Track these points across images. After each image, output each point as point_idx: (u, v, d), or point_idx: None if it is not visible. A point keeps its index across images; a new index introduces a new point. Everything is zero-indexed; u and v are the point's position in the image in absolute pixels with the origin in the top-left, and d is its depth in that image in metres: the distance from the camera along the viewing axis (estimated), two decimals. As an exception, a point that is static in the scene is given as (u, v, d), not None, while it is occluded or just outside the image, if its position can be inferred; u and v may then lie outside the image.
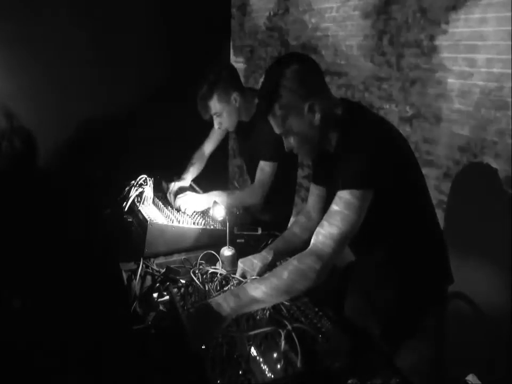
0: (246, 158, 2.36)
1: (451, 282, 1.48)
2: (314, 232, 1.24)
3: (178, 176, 2.28)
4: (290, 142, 1.35)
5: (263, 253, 1.51)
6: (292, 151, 1.38)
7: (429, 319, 1.43)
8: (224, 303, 1.16)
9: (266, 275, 1.24)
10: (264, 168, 2.01)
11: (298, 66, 1.28)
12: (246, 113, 2.06)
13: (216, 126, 2.09)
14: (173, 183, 2.16)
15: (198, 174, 2.36)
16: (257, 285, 1.19)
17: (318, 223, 1.29)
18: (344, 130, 1.30)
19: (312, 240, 1.23)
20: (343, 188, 1.20)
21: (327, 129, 1.32)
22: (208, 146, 2.40)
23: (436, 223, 1.47)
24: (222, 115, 2.01)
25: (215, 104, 1.98)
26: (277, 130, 1.35)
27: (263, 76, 1.35)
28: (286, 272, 1.19)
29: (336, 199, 1.22)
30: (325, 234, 1.20)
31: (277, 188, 2.10)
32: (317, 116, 1.28)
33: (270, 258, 1.48)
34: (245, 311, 1.20)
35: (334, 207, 1.21)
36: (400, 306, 1.44)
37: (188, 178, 2.29)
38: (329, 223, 1.20)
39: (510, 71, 1.70)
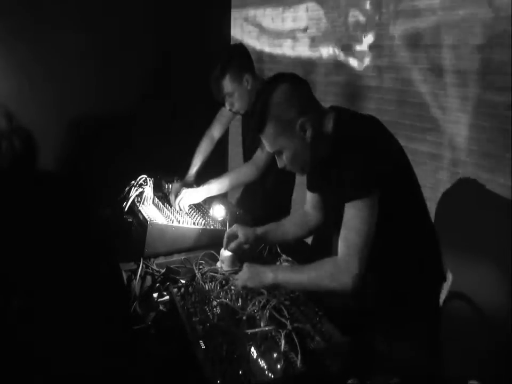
0: (247, 148, 2.36)
1: (444, 280, 1.51)
2: (339, 245, 1.27)
3: (178, 176, 2.27)
4: (283, 159, 1.37)
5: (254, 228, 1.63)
6: (285, 168, 1.41)
7: (423, 317, 1.44)
8: (272, 273, 1.34)
9: (305, 266, 1.33)
10: (263, 148, 2.01)
11: (288, 85, 1.30)
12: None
13: (227, 107, 2.07)
14: (174, 184, 2.16)
15: (204, 164, 2.34)
16: (295, 272, 1.35)
17: (316, 219, 1.54)
18: (337, 138, 1.31)
19: (339, 253, 1.26)
20: (351, 199, 1.23)
21: (319, 145, 1.33)
22: (217, 129, 2.36)
23: (429, 222, 1.49)
24: (233, 95, 2.00)
25: (227, 84, 1.97)
26: (269, 149, 1.37)
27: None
28: (320, 276, 1.27)
29: (347, 211, 1.24)
30: (347, 246, 1.24)
31: (276, 186, 2.10)
32: (308, 134, 1.30)
33: (259, 233, 1.61)
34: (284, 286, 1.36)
35: (348, 219, 1.24)
36: (394, 305, 1.45)
37: (192, 173, 2.29)
38: (348, 236, 1.24)
39: None
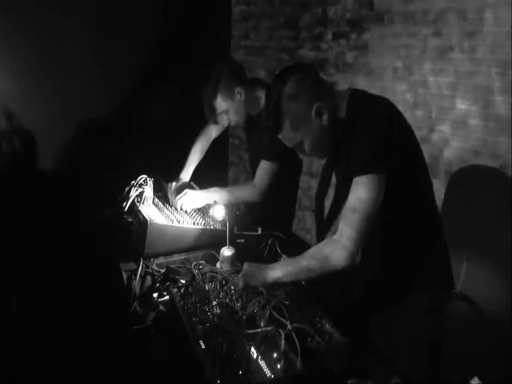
0: (250, 153, 2.35)
1: (452, 287, 1.49)
2: (340, 219, 1.28)
3: (178, 176, 2.27)
4: (304, 149, 1.37)
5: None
6: (303, 154, 1.44)
7: (426, 320, 1.44)
8: (272, 270, 1.34)
9: (301, 255, 1.33)
10: (265, 167, 2.01)
11: (295, 78, 1.30)
12: (253, 107, 2.04)
13: (225, 123, 2.07)
14: (173, 183, 2.16)
15: (199, 165, 2.33)
16: (294, 264, 1.33)
17: None
18: (350, 120, 1.31)
19: (339, 228, 1.27)
20: (358, 174, 1.24)
21: (335, 127, 1.33)
22: (215, 129, 2.34)
23: (436, 214, 1.48)
24: (228, 112, 2.00)
25: (220, 103, 1.97)
26: (289, 145, 1.38)
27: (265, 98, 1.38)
28: (317, 258, 1.29)
29: (353, 185, 1.25)
30: (347, 222, 1.25)
31: (279, 191, 2.11)
32: (325, 117, 1.31)
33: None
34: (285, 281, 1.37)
35: (353, 193, 1.25)
36: (398, 304, 1.45)
37: (188, 172, 2.28)
38: (351, 210, 1.25)
39: None
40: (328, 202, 1.85)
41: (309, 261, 1.30)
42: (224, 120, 2.05)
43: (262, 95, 2.03)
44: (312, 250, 1.32)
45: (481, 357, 1.82)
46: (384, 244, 1.44)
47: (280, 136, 1.36)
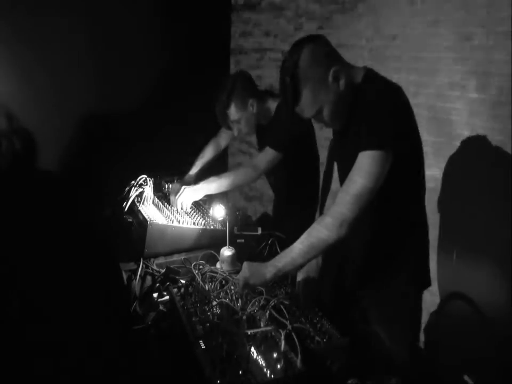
0: None
1: (428, 284, 1.52)
2: (340, 191, 1.29)
3: (178, 176, 2.28)
4: (323, 118, 1.37)
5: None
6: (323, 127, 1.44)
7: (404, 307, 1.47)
8: (271, 266, 1.33)
9: (295, 243, 1.32)
10: (266, 152, 2.02)
11: (310, 47, 1.30)
12: (264, 117, 2.09)
13: (235, 133, 2.12)
14: (173, 184, 2.16)
15: (206, 167, 2.37)
16: (289, 252, 1.31)
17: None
18: (364, 90, 1.32)
19: (337, 200, 1.28)
20: (364, 149, 1.24)
21: (350, 94, 1.33)
22: (224, 138, 2.39)
23: (423, 213, 1.49)
24: (240, 122, 2.05)
25: (233, 113, 2.02)
26: (308, 115, 1.36)
27: (280, 71, 1.35)
28: (309, 235, 1.29)
29: (358, 159, 1.25)
30: (343, 195, 1.26)
31: (298, 194, 2.13)
32: (342, 82, 1.30)
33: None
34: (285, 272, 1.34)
35: (355, 168, 1.25)
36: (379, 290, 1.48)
37: (192, 175, 2.31)
38: (349, 183, 1.25)
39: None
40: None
41: (303, 243, 1.29)
42: (234, 130, 2.08)
43: (273, 106, 2.07)
44: (306, 232, 1.31)
45: (481, 356, 1.82)
46: (370, 229, 1.45)
47: (298, 108, 1.34)
